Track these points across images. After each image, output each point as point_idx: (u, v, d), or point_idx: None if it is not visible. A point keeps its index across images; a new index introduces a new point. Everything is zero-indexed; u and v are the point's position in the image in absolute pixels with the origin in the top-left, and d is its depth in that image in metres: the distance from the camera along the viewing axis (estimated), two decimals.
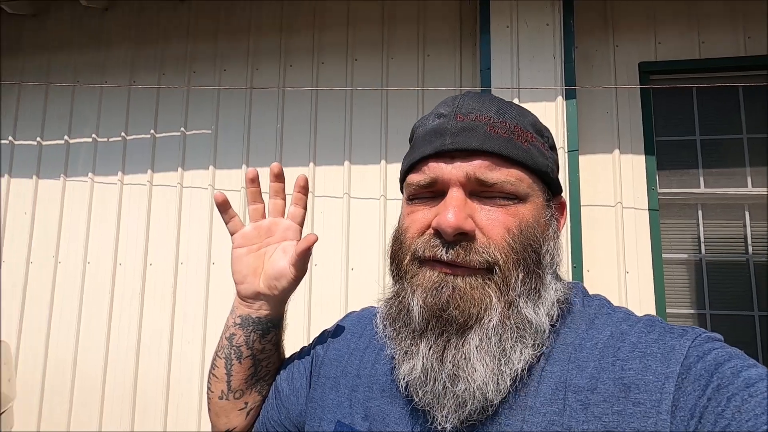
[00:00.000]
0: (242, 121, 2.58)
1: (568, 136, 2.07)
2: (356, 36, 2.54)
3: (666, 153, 2.22)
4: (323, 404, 0.55)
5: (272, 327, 0.61)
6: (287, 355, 0.68)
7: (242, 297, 0.61)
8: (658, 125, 2.24)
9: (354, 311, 0.67)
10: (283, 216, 0.62)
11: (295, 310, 2.36)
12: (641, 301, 2.09)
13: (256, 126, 2.57)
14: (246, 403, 0.61)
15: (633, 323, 0.46)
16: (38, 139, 2.82)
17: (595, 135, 2.25)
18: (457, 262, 0.44)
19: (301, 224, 0.62)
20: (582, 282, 1.97)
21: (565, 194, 2.01)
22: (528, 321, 0.44)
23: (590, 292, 0.53)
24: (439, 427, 0.43)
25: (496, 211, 0.45)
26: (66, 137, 2.78)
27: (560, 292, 0.48)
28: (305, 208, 0.62)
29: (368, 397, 0.51)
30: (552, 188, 0.51)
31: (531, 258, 0.45)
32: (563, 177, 2.02)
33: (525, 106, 2.07)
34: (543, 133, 0.50)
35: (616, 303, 0.52)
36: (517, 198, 0.46)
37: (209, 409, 0.63)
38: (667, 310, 2.11)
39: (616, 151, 2.22)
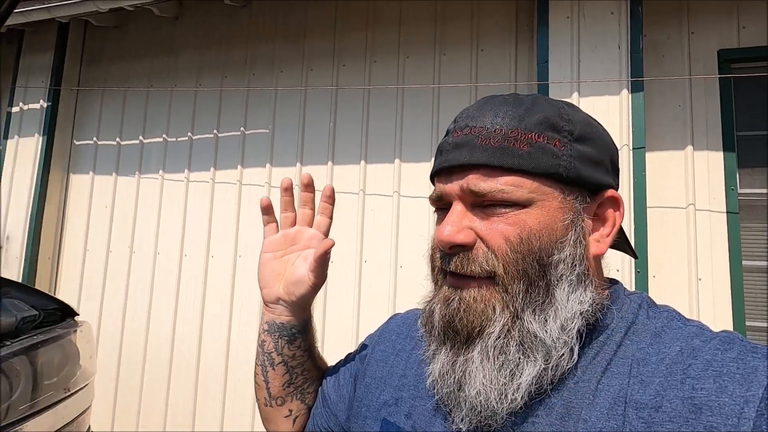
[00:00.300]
0: (297, 120, 2.63)
1: (634, 132, 1.90)
2: (408, 33, 2.50)
3: (748, 149, 1.98)
4: (369, 404, 0.55)
5: (297, 333, 0.62)
6: (333, 359, 0.69)
7: (265, 302, 0.62)
8: (740, 119, 1.99)
9: (399, 313, 0.66)
10: (311, 225, 0.63)
11: (344, 306, 2.38)
12: (716, 312, 1.88)
13: (310, 125, 2.60)
14: (290, 411, 0.62)
15: (707, 339, 0.41)
16: (117, 139, 3.05)
17: (665, 130, 2.04)
18: (458, 272, 0.45)
19: (326, 233, 0.63)
20: (647, 289, 1.81)
21: (630, 195, 1.85)
22: (533, 335, 0.43)
23: (658, 303, 0.49)
24: (463, 428, 0.44)
25: (494, 221, 0.45)
26: (140, 138, 2.98)
27: (586, 304, 0.44)
28: (331, 218, 0.63)
29: (414, 396, 0.51)
30: (583, 186, 0.46)
31: (533, 269, 0.43)
32: (627, 176, 1.86)
33: (585, 100, 1.95)
34: (561, 128, 0.46)
35: (686, 313, 0.46)
36: (518, 204, 0.44)
37: (260, 416, 0.64)
38: (747, 323, 1.88)
39: (689, 148, 2.01)
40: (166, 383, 2.67)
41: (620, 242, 0.55)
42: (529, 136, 0.45)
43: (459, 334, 0.44)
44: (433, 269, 0.49)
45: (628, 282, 1.80)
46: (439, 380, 0.46)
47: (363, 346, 0.64)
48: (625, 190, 1.84)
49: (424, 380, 0.50)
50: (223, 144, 2.78)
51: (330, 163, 2.52)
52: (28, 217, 2.98)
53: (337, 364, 0.66)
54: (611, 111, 1.92)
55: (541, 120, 0.46)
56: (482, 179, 0.44)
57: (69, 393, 1.08)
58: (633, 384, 0.41)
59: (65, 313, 1.16)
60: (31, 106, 3.13)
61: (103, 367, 2.79)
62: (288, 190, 0.63)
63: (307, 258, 0.61)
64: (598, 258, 0.49)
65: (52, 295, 1.22)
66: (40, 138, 3.05)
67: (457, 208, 0.46)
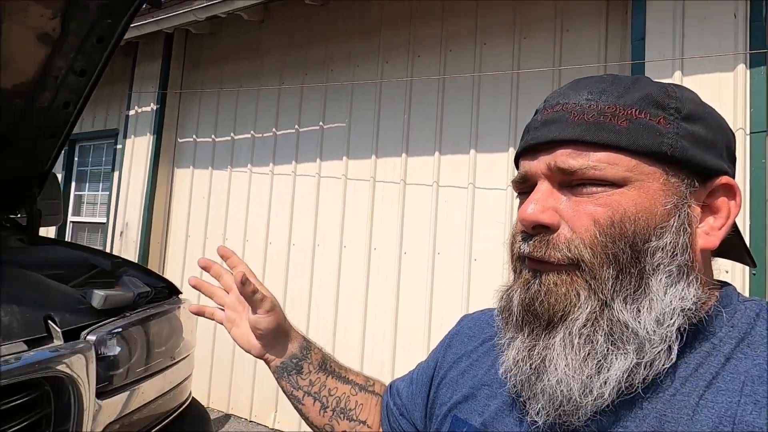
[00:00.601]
0: (373, 113, 2.66)
1: (752, 114, 1.63)
2: (485, 20, 2.38)
3: None
4: (442, 403, 0.55)
5: (300, 361, 0.63)
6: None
7: (261, 359, 0.64)
8: None
9: (468, 314, 0.64)
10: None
11: (416, 299, 2.38)
12: None
13: (385, 118, 2.62)
14: None
15: None
16: (212, 136, 3.33)
17: None
18: (535, 256, 0.42)
19: (248, 273, 0.63)
20: (766, 296, 1.56)
21: (746, 186, 1.60)
22: (624, 325, 0.38)
23: None
24: (540, 421, 0.41)
25: (582, 201, 0.41)
26: (232, 134, 3.23)
27: (689, 301, 0.39)
28: (241, 262, 0.63)
29: (488, 395, 0.50)
30: (691, 169, 0.41)
31: (624, 254, 0.39)
32: (743, 165, 1.60)
33: (690, 79, 1.71)
34: (667, 105, 0.41)
35: None
36: (612, 184, 0.40)
37: None
38: None
39: None
40: (252, 361, 2.89)
41: (733, 242, 0.47)
42: (629, 111, 0.40)
43: (539, 319, 0.41)
44: (512, 256, 0.47)
45: (741, 286, 1.56)
46: (513, 367, 0.43)
47: (435, 352, 0.63)
48: (739, 181, 1.59)
49: (497, 379, 0.48)
50: (304, 138, 2.90)
51: (404, 155, 2.52)
52: (142, 206, 3.38)
53: (410, 372, 0.66)
54: (723, 90, 1.67)
55: (644, 96, 0.41)
56: (572, 156, 0.41)
57: (174, 361, 1.21)
58: (745, 404, 0.35)
59: (171, 291, 1.31)
60: (144, 109, 3.54)
61: (201, 340, 3.10)
62: (206, 267, 0.64)
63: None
64: (706, 253, 0.43)
65: (160, 274, 1.39)
66: (151, 137, 3.44)
67: (543, 186, 0.42)
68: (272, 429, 2.71)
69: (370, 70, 2.69)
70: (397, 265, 2.45)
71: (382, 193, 2.57)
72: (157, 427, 1.11)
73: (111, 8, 1.20)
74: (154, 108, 3.46)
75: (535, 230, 0.42)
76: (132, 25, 3.10)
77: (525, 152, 0.45)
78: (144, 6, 1.28)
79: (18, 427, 0.77)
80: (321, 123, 2.83)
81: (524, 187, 0.46)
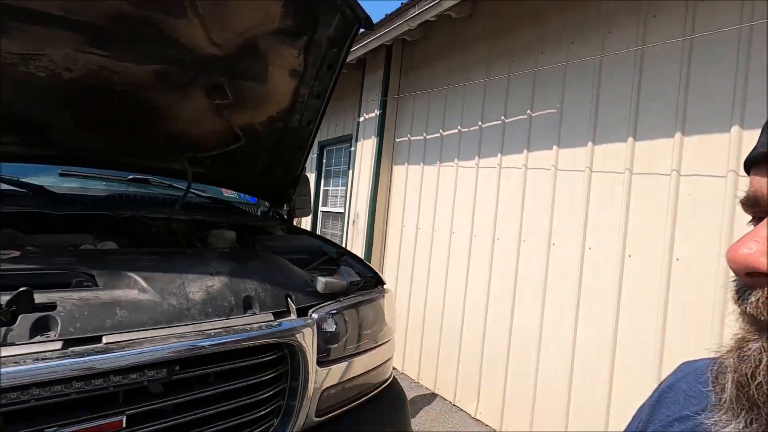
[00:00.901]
0: (590, 94, 2.33)
1: None
2: None
3: None
4: None
5: None
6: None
7: None
8: None
9: (690, 362, 0.50)
10: None
11: (643, 312, 1.98)
12: None
13: (605, 96, 2.25)
14: None
15: None
16: (424, 134, 3.57)
17: None
18: (759, 320, 0.29)
19: None
20: None
21: None
22: None
23: None
24: None
25: None
26: (440, 131, 3.39)
27: None
28: None
29: None
30: None
31: None
32: None
33: None
34: None
35: None
36: None
37: None
38: None
39: None
40: (457, 345, 3.01)
41: None
42: None
43: (758, 408, 0.30)
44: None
45: None
46: None
47: (639, 409, 0.53)
48: None
49: None
50: (510, 129, 2.79)
51: (630, 139, 2.12)
52: (368, 199, 3.94)
53: None
54: None
55: None
56: None
57: (377, 344, 1.37)
58: None
59: (377, 281, 1.48)
60: (370, 115, 4.08)
61: (412, 321, 3.41)
62: None
63: None
64: None
65: (369, 264, 1.59)
66: (375, 139, 3.94)
67: None
68: (474, 418, 2.77)
69: (588, 44, 2.36)
70: (619, 268, 2.10)
71: (599, 186, 2.24)
72: (362, 399, 1.29)
73: (336, 40, 1.43)
74: (377, 113, 3.94)
75: (751, 279, 0.30)
76: (360, 45, 3.59)
77: (756, 162, 0.32)
78: (360, 30, 1.46)
79: (270, 376, 1.04)
80: (529, 111, 2.67)
81: (756, 210, 0.33)
